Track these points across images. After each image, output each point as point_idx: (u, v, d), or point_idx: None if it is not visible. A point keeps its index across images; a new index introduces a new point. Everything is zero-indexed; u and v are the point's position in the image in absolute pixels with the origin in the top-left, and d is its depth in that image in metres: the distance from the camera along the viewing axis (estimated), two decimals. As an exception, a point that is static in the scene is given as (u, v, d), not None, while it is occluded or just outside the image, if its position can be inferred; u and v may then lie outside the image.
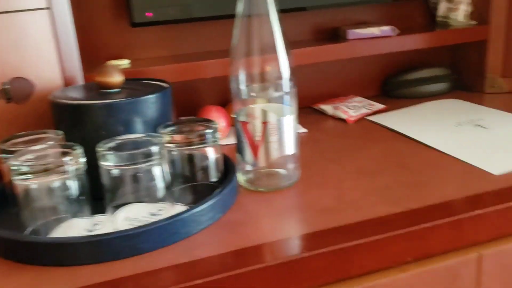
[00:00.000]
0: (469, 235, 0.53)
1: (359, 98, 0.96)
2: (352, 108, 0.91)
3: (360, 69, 1.01)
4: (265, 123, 0.59)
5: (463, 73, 1.04)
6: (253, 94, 0.59)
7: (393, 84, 1.01)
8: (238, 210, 0.57)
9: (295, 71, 0.60)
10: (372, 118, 0.87)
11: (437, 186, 0.59)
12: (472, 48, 0.99)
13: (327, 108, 0.92)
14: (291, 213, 0.56)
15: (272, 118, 0.59)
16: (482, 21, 0.96)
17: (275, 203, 0.58)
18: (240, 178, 0.62)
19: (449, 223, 0.52)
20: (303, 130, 0.84)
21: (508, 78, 0.97)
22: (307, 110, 0.95)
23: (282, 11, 0.58)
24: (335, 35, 0.96)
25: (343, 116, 0.88)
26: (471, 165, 0.64)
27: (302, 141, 0.77)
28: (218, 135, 0.60)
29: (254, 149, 0.60)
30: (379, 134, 0.80)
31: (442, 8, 0.99)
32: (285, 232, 0.52)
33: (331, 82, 1.00)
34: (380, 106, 0.93)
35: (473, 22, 0.98)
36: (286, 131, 0.60)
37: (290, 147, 0.61)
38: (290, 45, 0.59)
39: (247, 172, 0.62)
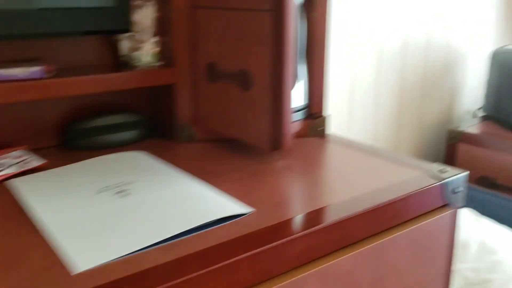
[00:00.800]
0: None
1: (20, 152, 0.80)
2: (0, 167, 0.73)
3: (32, 115, 0.85)
4: None
5: (158, 119, 0.94)
6: None
7: (74, 133, 0.87)
8: None
9: None
10: (16, 180, 0.71)
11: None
12: (164, 92, 0.90)
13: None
14: None
15: None
16: (170, 62, 0.88)
17: None
18: None
19: None
20: None
21: (199, 126, 0.89)
22: None
23: None
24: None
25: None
26: (57, 256, 0.51)
27: None
28: None
29: None
30: (2, 208, 0.64)
31: (124, 47, 0.87)
32: None
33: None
34: (38, 162, 0.77)
35: (160, 63, 0.89)
36: None
37: None
38: None
39: None
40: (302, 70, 0.86)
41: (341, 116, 1.41)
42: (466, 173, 0.74)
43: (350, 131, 1.44)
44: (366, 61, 1.43)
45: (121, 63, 0.89)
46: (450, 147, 1.56)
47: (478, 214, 1.26)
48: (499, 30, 1.90)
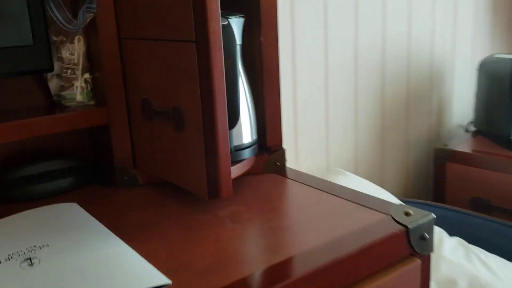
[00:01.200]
0: None
1: None
2: None
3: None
4: None
5: (99, 163, 0.85)
6: None
7: (2, 183, 0.78)
8: None
9: None
10: None
11: None
12: (102, 133, 0.81)
13: None
14: None
15: None
16: (104, 101, 0.79)
17: None
18: None
19: None
20: None
21: (140, 168, 0.80)
22: None
23: None
24: None
25: None
26: None
27: None
28: None
29: None
30: None
31: (54, 86, 0.79)
32: None
33: None
34: None
35: (91, 103, 0.80)
36: None
37: None
38: None
39: None
40: (248, 101, 0.77)
41: (318, 141, 1.32)
42: (433, 217, 0.64)
43: (328, 156, 1.34)
44: (340, 81, 1.33)
45: (54, 104, 0.80)
46: (439, 167, 1.45)
47: (468, 244, 1.14)
48: (487, 38, 1.80)
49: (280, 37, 0.80)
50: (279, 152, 0.83)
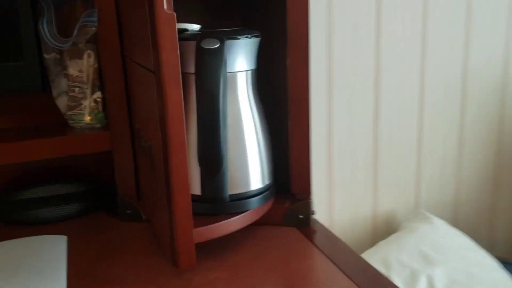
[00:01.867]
0: None
1: None
2: None
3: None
4: None
5: (105, 190, 0.77)
6: None
7: (8, 204, 0.74)
8: None
9: None
10: None
11: None
12: (108, 159, 0.73)
13: None
14: None
15: None
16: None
17: None
18: None
19: None
20: None
21: (142, 203, 0.70)
22: None
23: None
24: None
25: None
26: None
27: None
28: None
29: None
30: None
31: (62, 105, 0.73)
32: None
33: None
34: None
35: (97, 126, 0.72)
36: None
37: None
38: None
39: None
40: (260, 140, 0.62)
41: (405, 176, 1.10)
42: None
43: (418, 196, 1.11)
44: (439, 106, 1.09)
45: (64, 123, 0.74)
46: None
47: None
48: None
49: (312, 60, 0.64)
50: (304, 203, 0.67)
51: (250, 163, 0.61)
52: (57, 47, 0.63)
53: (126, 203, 0.71)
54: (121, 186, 0.71)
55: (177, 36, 0.44)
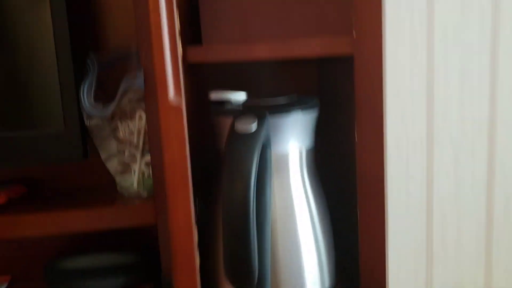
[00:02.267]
0: None
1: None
2: None
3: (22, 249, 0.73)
4: None
5: (148, 264, 0.69)
6: None
7: (55, 273, 0.70)
8: None
9: None
10: None
11: None
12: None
13: None
14: None
15: None
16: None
17: None
18: None
19: None
20: None
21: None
22: None
23: None
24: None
25: None
26: None
27: None
28: None
29: None
30: None
31: (112, 169, 0.67)
32: None
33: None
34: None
35: (144, 195, 0.64)
36: None
37: None
38: None
39: None
40: (319, 236, 0.49)
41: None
42: None
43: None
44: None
45: (109, 187, 0.69)
46: None
47: None
48: None
49: (387, 132, 0.50)
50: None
51: (305, 264, 0.48)
52: (95, 115, 0.58)
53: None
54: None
55: (186, 131, 0.35)
